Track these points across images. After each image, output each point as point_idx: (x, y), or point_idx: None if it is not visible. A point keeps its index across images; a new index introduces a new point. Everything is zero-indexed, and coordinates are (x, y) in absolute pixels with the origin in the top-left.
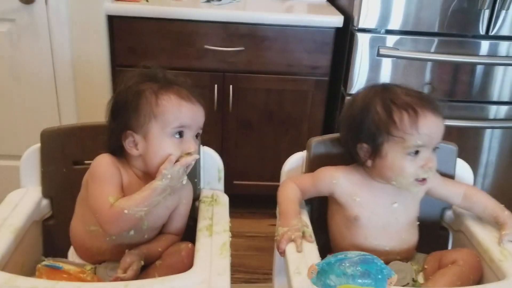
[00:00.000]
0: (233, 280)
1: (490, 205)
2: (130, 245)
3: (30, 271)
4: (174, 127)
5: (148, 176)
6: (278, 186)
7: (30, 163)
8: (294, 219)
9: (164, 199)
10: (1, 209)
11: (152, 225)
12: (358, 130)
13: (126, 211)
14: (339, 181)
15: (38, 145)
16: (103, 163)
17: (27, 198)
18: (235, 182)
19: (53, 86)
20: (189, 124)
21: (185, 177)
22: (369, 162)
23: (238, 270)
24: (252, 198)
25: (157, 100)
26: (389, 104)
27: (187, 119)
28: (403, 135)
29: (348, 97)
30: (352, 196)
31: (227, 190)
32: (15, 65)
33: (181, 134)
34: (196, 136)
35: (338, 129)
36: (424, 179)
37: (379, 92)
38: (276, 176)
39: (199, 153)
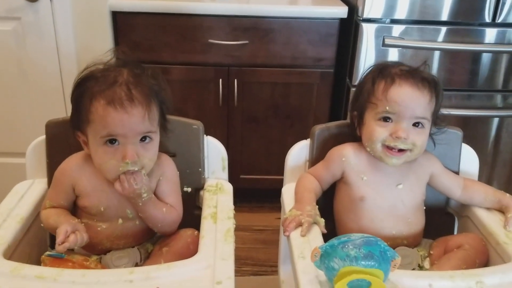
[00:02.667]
0: (241, 273)
1: (490, 192)
2: (125, 233)
3: (36, 262)
4: (102, 136)
5: None
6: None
7: (35, 154)
8: (308, 205)
9: None
10: (7, 200)
11: (136, 212)
12: (354, 100)
13: (42, 225)
14: (348, 158)
15: (43, 137)
16: (59, 170)
17: (33, 189)
18: (242, 176)
19: (59, 82)
20: (120, 133)
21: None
22: (358, 131)
23: (246, 263)
24: (259, 192)
25: (90, 106)
26: (377, 74)
27: (116, 128)
28: (376, 101)
29: (353, 89)
30: (359, 175)
31: (234, 185)
32: (22, 62)
33: (113, 142)
34: (144, 139)
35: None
36: (393, 149)
37: (379, 65)
38: (283, 170)
39: (170, 154)
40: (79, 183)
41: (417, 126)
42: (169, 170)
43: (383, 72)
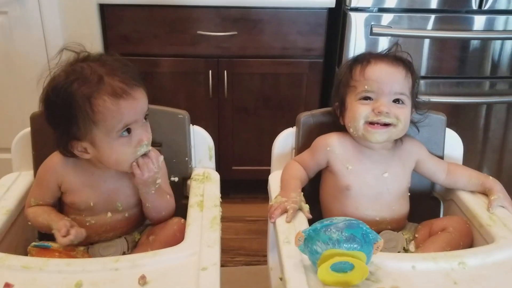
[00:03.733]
0: (234, 263)
1: (474, 175)
2: (113, 225)
3: (23, 254)
4: (119, 129)
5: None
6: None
7: (21, 147)
8: (293, 192)
9: (128, 178)
10: None
11: (126, 204)
12: (334, 93)
13: (29, 223)
14: (333, 148)
15: (29, 129)
16: (43, 168)
17: (20, 182)
18: (234, 168)
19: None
20: (134, 119)
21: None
22: (341, 120)
23: (239, 253)
24: (252, 183)
25: (92, 107)
26: (351, 62)
27: (130, 116)
28: (354, 83)
29: None
30: (344, 164)
31: (226, 176)
32: (9, 57)
33: (128, 131)
34: (145, 118)
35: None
36: (376, 124)
37: (353, 57)
38: None
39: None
40: (66, 179)
41: (398, 102)
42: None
43: (358, 58)
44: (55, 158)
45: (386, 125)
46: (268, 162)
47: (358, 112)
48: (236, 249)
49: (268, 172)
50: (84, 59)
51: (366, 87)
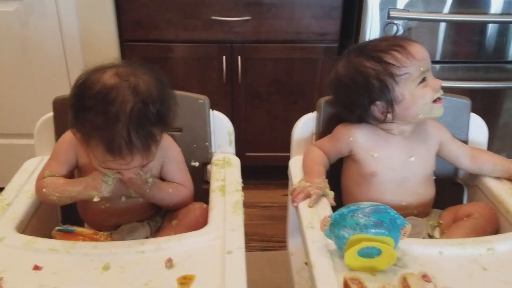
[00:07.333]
0: (249, 249)
1: (499, 161)
2: (128, 209)
3: (47, 237)
4: (101, 166)
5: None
6: (289, 156)
7: (43, 132)
8: (318, 178)
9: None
10: (18, 177)
11: None
12: (363, 96)
13: (44, 190)
14: (356, 138)
15: (51, 114)
16: (60, 140)
17: (43, 166)
18: (247, 154)
19: (63, 62)
20: (117, 169)
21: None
22: (389, 117)
23: (253, 239)
24: (265, 169)
25: (88, 141)
26: (375, 55)
27: (114, 167)
28: (406, 70)
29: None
30: (369, 152)
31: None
32: (25, 43)
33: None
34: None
35: None
36: (439, 99)
37: (354, 54)
38: (288, 147)
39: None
40: (82, 155)
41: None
42: (172, 150)
43: (378, 49)
44: (66, 136)
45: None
46: (281, 148)
47: (426, 97)
48: (251, 235)
49: (281, 159)
50: (128, 74)
51: (422, 69)
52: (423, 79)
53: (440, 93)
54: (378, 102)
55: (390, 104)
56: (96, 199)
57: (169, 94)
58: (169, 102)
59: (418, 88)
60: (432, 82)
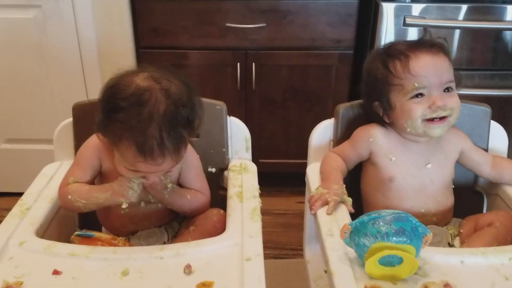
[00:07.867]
0: None
1: None
2: (147, 215)
3: (66, 242)
4: (128, 168)
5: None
6: (304, 163)
7: (63, 137)
8: (335, 184)
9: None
10: (37, 181)
11: None
12: (369, 91)
13: (69, 197)
14: (376, 139)
15: (70, 119)
16: (84, 146)
17: (62, 171)
18: (261, 160)
19: (80, 69)
20: (147, 172)
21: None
22: (386, 118)
23: (267, 247)
24: (279, 176)
25: (119, 143)
26: (384, 57)
27: (144, 170)
28: (400, 82)
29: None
30: (388, 155)
31: None
32: (43, 50)
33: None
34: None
35: None
36: (434, 119)
37: (379, 50)
38: (302, 154)
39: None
40: (106, 161)
41: (448, 91)
42: (190, 156)
43: (389, 53)
44: (96, 139)
45: (443, 117)
46: (295, 155)
47: (414, 112)
48: (264, 242)
49: (295, 166)
50: (158, 79)
51: (416, 84)
52: (418, 95)
53: (437, 114)
54: (377, 103)
55: (386, 108)
56: (124, 206)
57: (197, 100)
58: (197, 107)
59: (409, 102)
60: (429, 100)
